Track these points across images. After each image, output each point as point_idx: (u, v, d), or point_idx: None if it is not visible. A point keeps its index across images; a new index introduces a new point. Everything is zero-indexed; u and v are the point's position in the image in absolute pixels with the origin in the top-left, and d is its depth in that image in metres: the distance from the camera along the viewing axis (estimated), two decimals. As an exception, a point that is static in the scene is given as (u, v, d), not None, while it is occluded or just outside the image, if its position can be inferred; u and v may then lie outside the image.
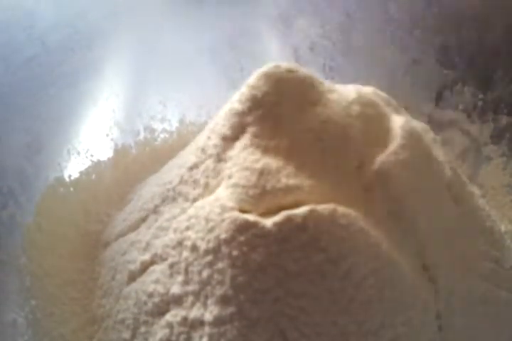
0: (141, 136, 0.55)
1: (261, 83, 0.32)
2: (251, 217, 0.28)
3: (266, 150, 0.30)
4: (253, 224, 0.28)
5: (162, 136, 0.56)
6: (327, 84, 0.34)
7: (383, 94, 0.36)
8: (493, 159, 0.51)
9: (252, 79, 0.32)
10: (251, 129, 0.31)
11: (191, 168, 0.34)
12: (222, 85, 0.57)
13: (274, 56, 0.60)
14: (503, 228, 0.43)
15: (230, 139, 0.32)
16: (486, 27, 0.51)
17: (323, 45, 0.59)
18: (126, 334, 0.34)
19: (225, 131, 0.32)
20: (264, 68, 0.32)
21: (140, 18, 0.59)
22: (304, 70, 0.33)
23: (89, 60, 0.54)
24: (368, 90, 0.35)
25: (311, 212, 0.28)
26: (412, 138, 0.33)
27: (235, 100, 0.33)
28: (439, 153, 0.36)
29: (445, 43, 0.54)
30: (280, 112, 0.31)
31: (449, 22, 0.53)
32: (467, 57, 0.53)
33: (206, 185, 0.32)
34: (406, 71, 0.56)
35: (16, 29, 0.50)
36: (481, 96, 0.52)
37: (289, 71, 0.32)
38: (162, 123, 0.57)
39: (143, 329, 0.33)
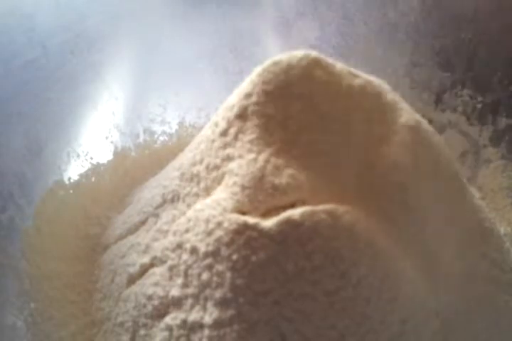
0: (141, 139, 0.55)
1: (265, 79, 0.30)
2: (250, 219, 0.28)
3: (266, 150, 0.30)
4: (252, 226, 0.28)
5: (162, 138, 0.56)
6: (342, 70, 0.31)
7: (389, 88, 0.34)
8: (492, 161, 0.50)
9: (253, 79, 0.31)
10: (251, 127, 0.30)
11: (190, 170, 0.34)
12: (221, 88, 0.57)
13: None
14: (502, 230, 0.44)
15: (229, 138, 0.31)
16: (485, 29, 0.51)
17: (323, 48, 0.59)
18: (126, 337, 0.34)
19: (224, 129, 0.32)
20: (268, 63, 0.31)
21: (140, 22, 0.59)
22: (316, 57, 0.30)
23: (89, 63, 0.54)
24: (375, 80, 0.33)
25: (310, 212, 0.27)
26: (418, 133, 0.31)
27: (238, 95, 0.31)
28: (445, 151, 0.35)
29: (444, 46, 0.54)
30: (283, 111, 0.30)
31: (448, 25, 0.53)
32: (466, 60, 0.53)
33: (205, 187, 0.32)
34: (405, 74, 0.56)
35: (16, 32, 0.50)
36: (480, 98, 0.52)
37: (296, 62, 0.30)
38: (162, 125, 0.57)
39: (142, 332, 0.33)
